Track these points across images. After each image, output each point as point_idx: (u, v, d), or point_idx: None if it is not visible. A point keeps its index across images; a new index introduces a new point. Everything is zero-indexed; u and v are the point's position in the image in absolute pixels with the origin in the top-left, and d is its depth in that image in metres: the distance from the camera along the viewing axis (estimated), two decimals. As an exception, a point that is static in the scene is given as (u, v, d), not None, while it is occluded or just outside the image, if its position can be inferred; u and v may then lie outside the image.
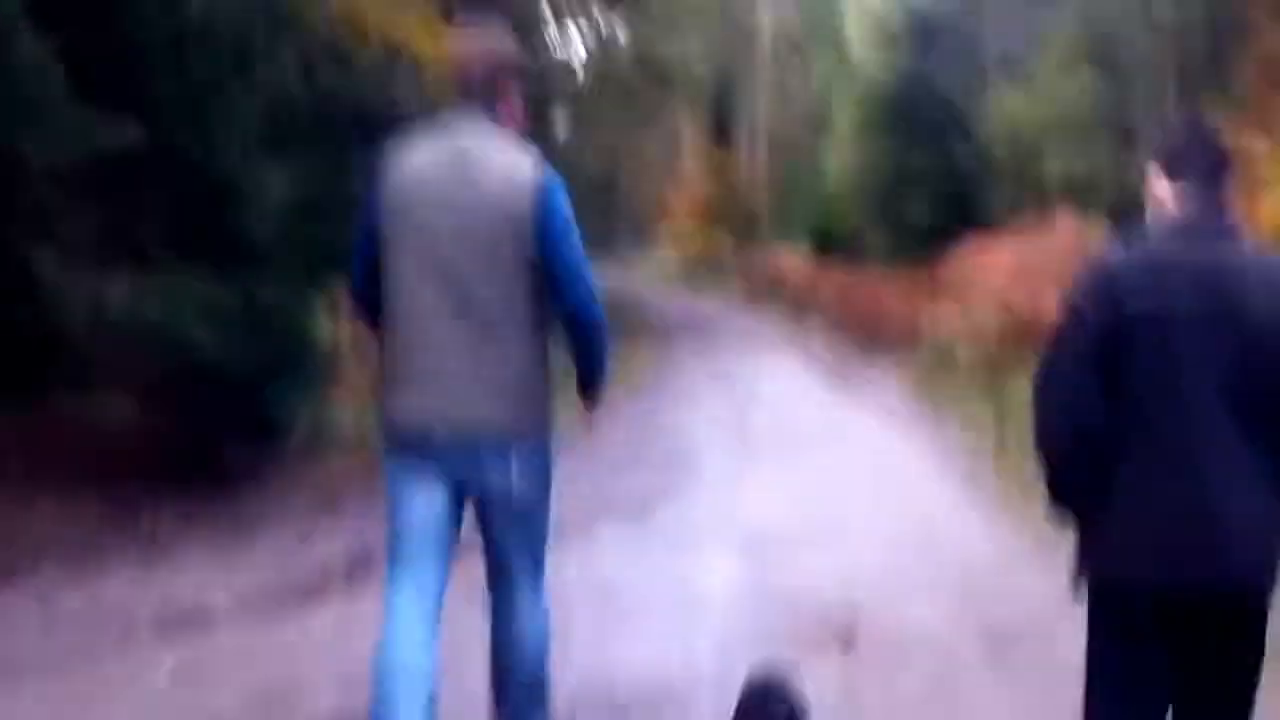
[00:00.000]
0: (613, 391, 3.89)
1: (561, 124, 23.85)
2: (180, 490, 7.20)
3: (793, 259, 29.98)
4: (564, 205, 3.52)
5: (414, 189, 3.50)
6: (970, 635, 5.56)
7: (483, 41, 3.75)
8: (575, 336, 3.62)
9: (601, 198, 42.69)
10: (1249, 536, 2.77)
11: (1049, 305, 13.68)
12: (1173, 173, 2.94)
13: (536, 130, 6.21)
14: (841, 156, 28.76)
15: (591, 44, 24.27)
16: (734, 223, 38.44)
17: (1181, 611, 2.78)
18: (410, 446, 3.56)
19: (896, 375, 15.98)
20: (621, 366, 7.31)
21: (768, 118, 38.51)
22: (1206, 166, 2.91)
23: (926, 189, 24.10)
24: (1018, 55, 20.63)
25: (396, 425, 3.60)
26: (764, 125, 38.67)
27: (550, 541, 3.75)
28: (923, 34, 24.64)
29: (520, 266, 3.47)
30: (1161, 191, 2.95)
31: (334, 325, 9.59)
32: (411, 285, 3.50)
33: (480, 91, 3.58)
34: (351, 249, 3.75)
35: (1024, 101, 19.91)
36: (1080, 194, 17.55)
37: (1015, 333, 14.26)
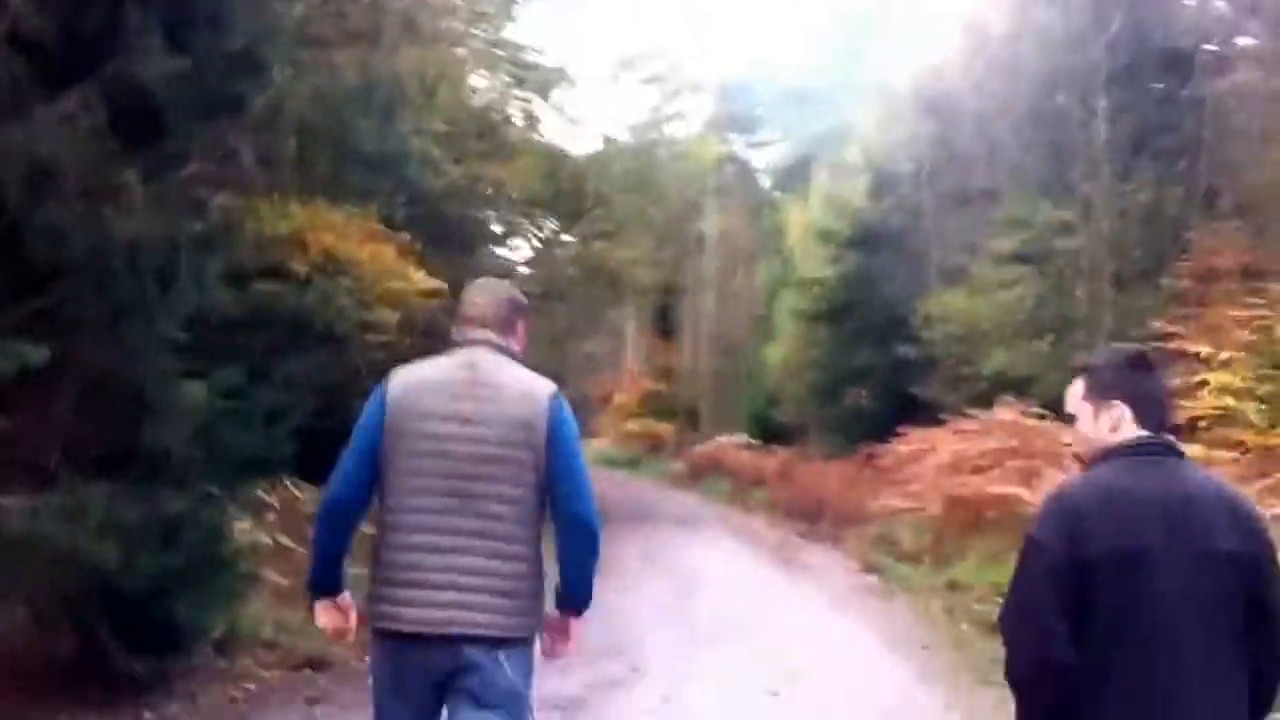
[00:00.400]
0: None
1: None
2: (78, 705, 6.71)
3: (734, 445, 30.46)
4: (572, 419, 3.77)
5: (426, 399, 3.70)
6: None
7: (500, 287, 4.08)
8: (572, 542, 3.76)
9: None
10: None
11: (990, 490, 14.19)
12: (1127, 400, 3.04)
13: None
14: (783, 352, 29.57)
15: (539, 249, 24.66)
16: (676, 413, 39.18)
17: None
18: (402, 643, 3.66)
19: (842, 557, 16.20)
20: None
21: (712, 316, 39.52)
22: (1150, 394, 3.06)
23: (869, 382, 24.81)
24: (959, 260, 21.51)
25: (389, 624, 3.66)
26: (708, 322, 39.64)
27: None
28: (866, 240, 25.78)
29: (528, 475, 3.67)
30: (1115, 418, 3.04)
31: (254, 529, 9.37)
32: (417, 486, 3.66)
33: (495, 325, 3.86)
34: (345, 456, 3.79)
35: (964, 301, 20.67)
36: (1016, 388, 18.15)
37: (958, 516, 14.63)
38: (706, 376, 39.13)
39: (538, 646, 3.84)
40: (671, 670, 8.72)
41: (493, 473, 3.64)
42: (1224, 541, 2.85)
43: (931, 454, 16.29)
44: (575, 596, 3.81)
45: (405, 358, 4.24)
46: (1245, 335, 15.09)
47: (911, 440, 17.81)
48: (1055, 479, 12.76)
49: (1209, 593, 2.84)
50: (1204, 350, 15.36)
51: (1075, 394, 3.15)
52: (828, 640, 9.98)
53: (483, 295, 3.97)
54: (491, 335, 3.85)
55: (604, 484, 29.39)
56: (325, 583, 3.84)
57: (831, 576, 14.54)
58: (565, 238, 24.43)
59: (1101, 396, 3.07)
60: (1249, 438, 14.23)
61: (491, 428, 3.66)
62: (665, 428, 39.01)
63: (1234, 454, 12.98)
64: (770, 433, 30.55)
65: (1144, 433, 3.00)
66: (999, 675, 3.08)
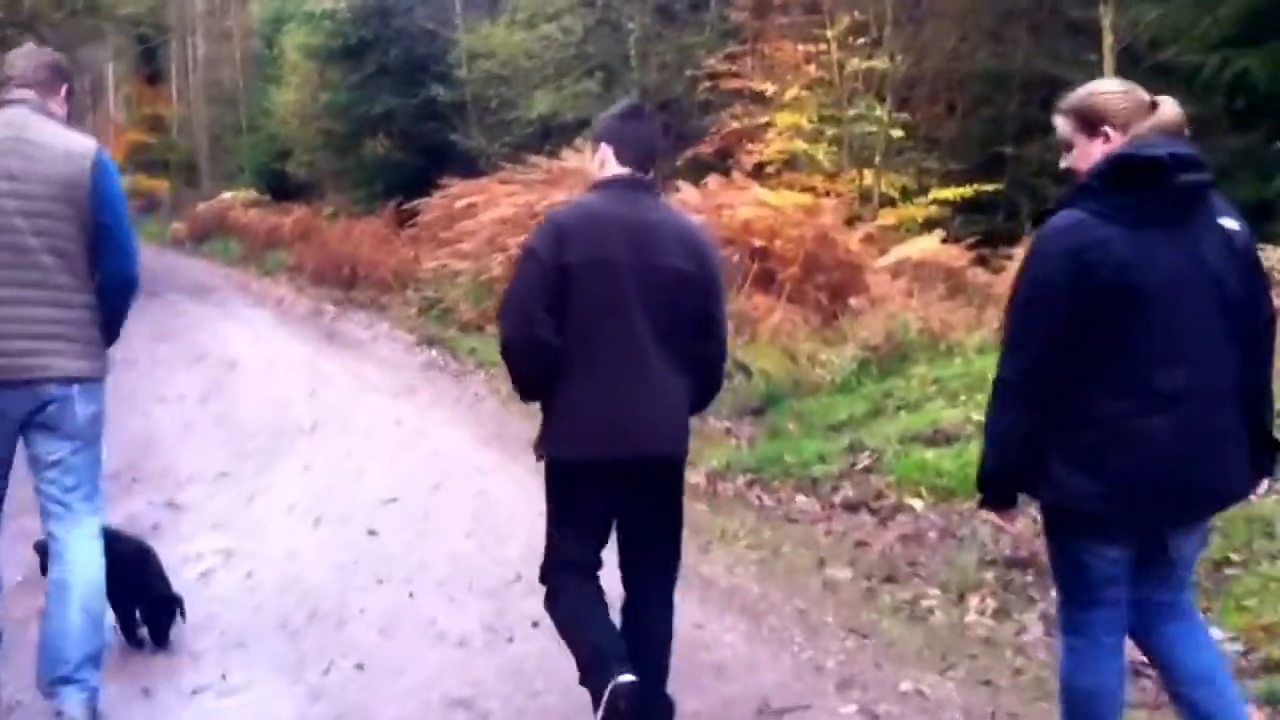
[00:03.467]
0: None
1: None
2: None
3: (240, 203, 27.47)
4: (115, 176, 4.04)
5: None
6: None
7: (43, 52, 4.26)
8: (110, 296, 4.11)
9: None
10: (661, 424, 3.59)
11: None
12: (611, 144, 3.66)
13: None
14: (291, 97, 26.50)
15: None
16: (172, 168, 35.34)
17: (616, 476, 3.58)
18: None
19: (391, 329, 14.42)
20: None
21: (204, 58, 35.47)
22: (631, 139, 3.66)
23: (394, 129, 22.58)
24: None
25: None
26: (201, 66, 35.57)
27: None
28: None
29: (75, 229, 3.92)
30: (601, 158, 3.68)
31: None
32: None
33: (36, 86, 4.01)
34: None
35: (503, 34, 18.77)
36: (564, 133, 16.72)
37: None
38: (203, 127, 35.36)
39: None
40: (222, 508, 6.84)
41: (43, 227, 3.87)
42: (674, 259, 3.55)
43: (487, 207, 14.61)
44: (111, 336, 4.22)
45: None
46: (810, 72, 14.30)
47: (460, 193, 16.04)
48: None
49: (661, 298, 3.53)
50: (767, 88, 14.52)
51: (595, 142, 3.73)
52: (413, 442, 8.29)
53: (24, 59, 4.11)
54: (32, 95, 4.00)
55: None
56: None
57: (387, 352, 12.70)
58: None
59: (597, 139, 3.72)
60: (819, 182, 13.64)
61: (38, 185, 3.85)
62: (159, 184, 35.22)
63: (805, 198, 12.22)
64: (281, 188, 27.78)
65: (623, 170, 3.64)
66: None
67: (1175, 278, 2.93)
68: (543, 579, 3.71)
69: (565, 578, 3.66)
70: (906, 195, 13.80)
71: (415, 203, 18.18)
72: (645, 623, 3.73)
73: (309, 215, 23.52)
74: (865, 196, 13.72)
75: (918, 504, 6.44)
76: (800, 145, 14.00)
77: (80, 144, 3.93)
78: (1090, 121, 3.11)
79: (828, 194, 13.10)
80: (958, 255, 11.57)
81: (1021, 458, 3.07)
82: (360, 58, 22.46)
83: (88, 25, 22.22)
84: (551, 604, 3.69)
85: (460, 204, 15.53)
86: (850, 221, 12.39)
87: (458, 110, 20.43)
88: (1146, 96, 3.13)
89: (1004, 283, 11.01)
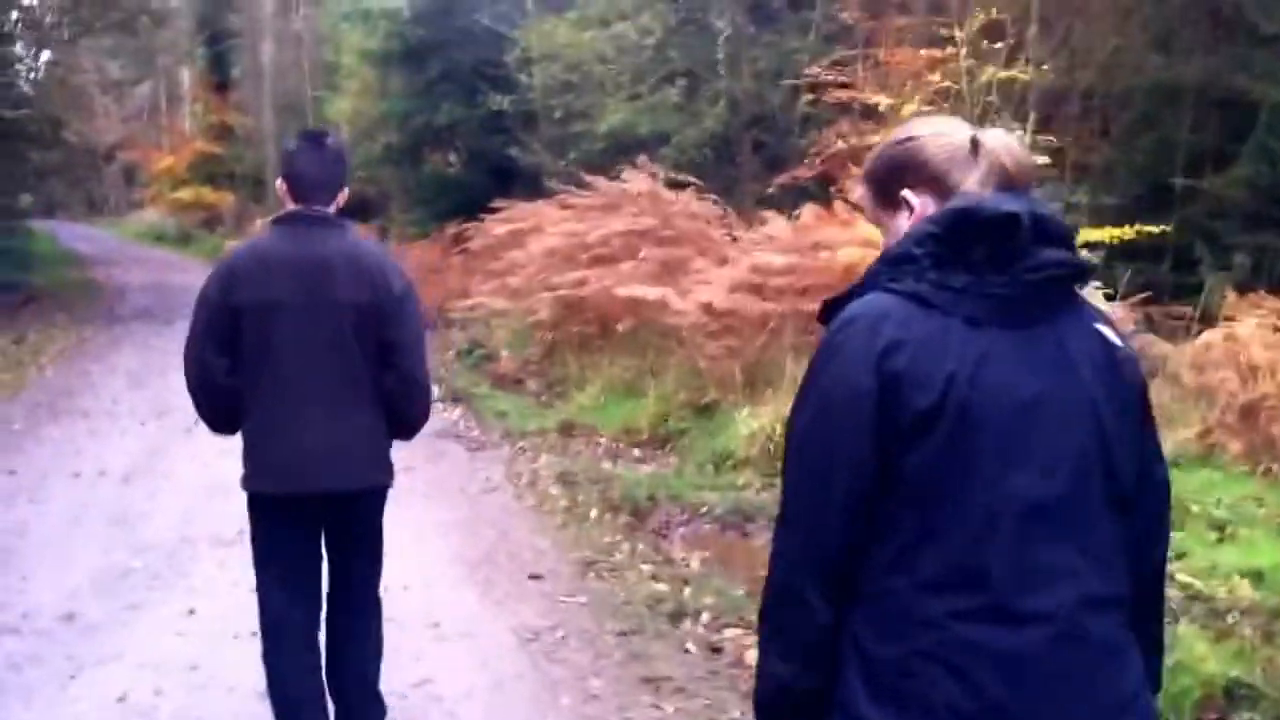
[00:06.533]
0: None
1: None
2: None
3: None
4: None
5: None
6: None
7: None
8: None
9: (88, 155, 37.44)
10: (337, 460, 3.60)
11: (619, 291, 10.37)
12: (290, 181, 3.65)
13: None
14: (350, 105, 24.38)
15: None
16: (237, 180, 33.61)
17: (301, 511, 3.66)
18: None
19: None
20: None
21: (273, 65, 33.70)
22: (314, 174, 3.63)
23: (457, 143, 20.35)
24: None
25: None
26: (269, 74, 33.80)
27: None
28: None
29: None
30: (279, 193, 3.70)
31: None
32: None
33: None
34: None
35: (568, 33, 16.34)
36: (639, 151, 14.24)
37: (576, 324, 10.74)
38: (269, 138, 33.56)
39: None
40: (21, 690, 4.63)
41: None
42: (346, 293, 3.52)
43: (536, 236, 12.20)
44: None
45: None
46: (935, 82, 11.79)
47: (509, 217, 13.66)
48: (712, 275, 9.06)
49: (335, 334, 3.54)
50: (881, 102, 12.05)
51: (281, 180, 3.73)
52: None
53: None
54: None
55: (141, 270, 25.00)
56: None
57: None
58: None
59: (283, 176, 3.70)
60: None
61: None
62: (223, 197, 33.54)
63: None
64: (346, 206, 25.63)
65: (296, 207, 3.62)
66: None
67: (1033, 407, 1.88)
68: (260, 635, 3.77)
69: (276, 643, 3.72)
70: (1050, 235, 11.19)
71: (468, 226, 15.88)
72: (342, 654, 3.84)
73: (365, 237, 21.37)
74: (1000, 236, 11.15)
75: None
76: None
77: None
78: (885, 184, 2.10)
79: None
80: (1123, 317, 8.89)
81: (811, 676, 1.98)
82: (421, 62, 20.15)
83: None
84: (266, 668, 3.74)
85: (500, 231, 13.15)
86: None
87: (525, 122, 18.09)
88: (967, 135, 2.05)
89: (1185, 360, 8.43)
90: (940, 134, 2.06)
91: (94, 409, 10.17)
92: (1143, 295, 9.74)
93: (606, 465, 7.96)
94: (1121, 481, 1.97)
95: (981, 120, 11.43)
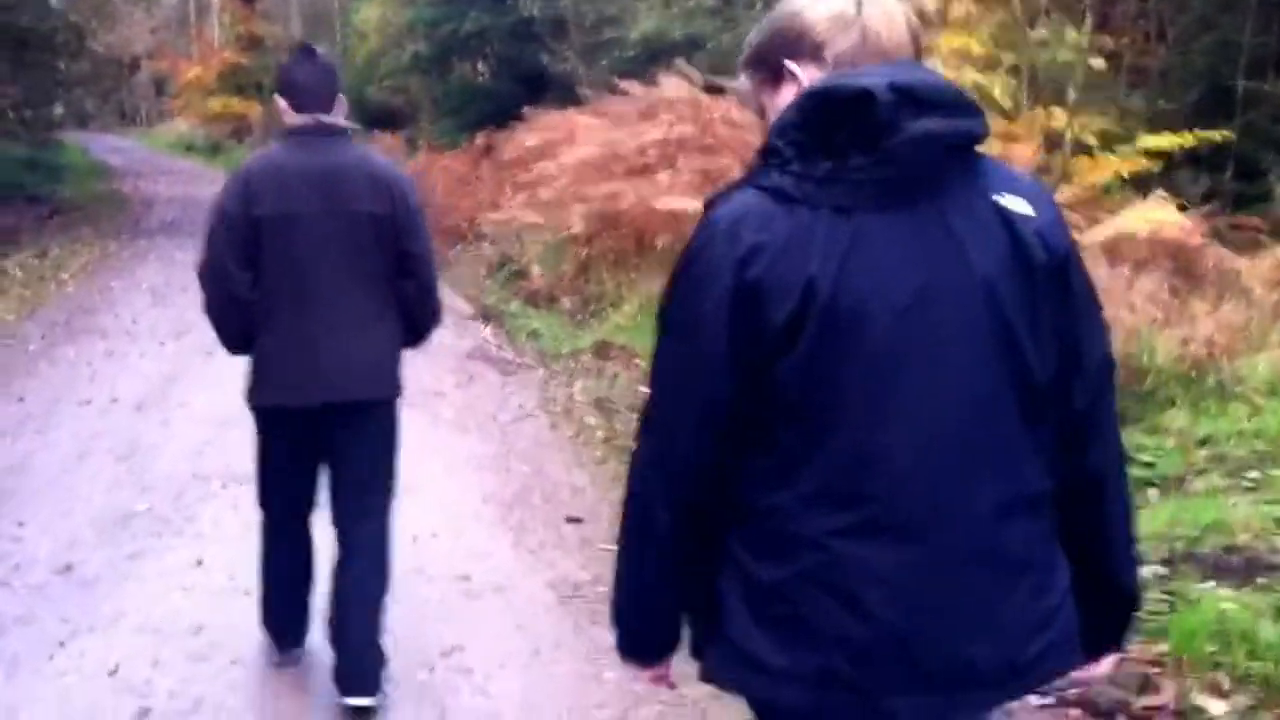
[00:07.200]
0: None
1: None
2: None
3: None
4: None
5: None
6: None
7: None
8: None
9: (114, 65, 37.04)
10: (354, 370, 3.59)
11: (657, 204, 9.93)
12: (290, 95, 3.60)
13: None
14: (377, 13, 23.84)
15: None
16: (265, 90, 33.16)
17: (309, 422, 3.64)
18: None
19: (449, 292, 11.75)
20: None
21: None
22: (313, 86, 3.59)
23: (487, 51, 19.82)
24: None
25: None
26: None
27: None
28: None
29: None
30: (282, 110, 3.64)
31: None
32: None
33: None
34: None
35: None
36: (674, 56, 13.73)
37: (611, 239, 10.35)
38: (296, 46, 33.01)
39: None
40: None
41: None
42: (364, 204, 3.54)
43: (568, 146, 11.75)
44: None
45: None
46: (983, -21, 11.24)
47: (541, 127, 13.20)
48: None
49: (354, 244, 3.55)
50: (927, 3, 11.49)
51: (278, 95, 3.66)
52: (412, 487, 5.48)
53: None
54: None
55: (168, 181, 24.67)
56: None
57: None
58: None
59: (276, 93, 3.66)
60: (994, 124, 10.61)
61: None
62: (251, 107, 33.10)
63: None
64: (372, 115, 25.24)
65: (304, 118, 3.58)
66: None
67: (915, 297, 1.70)
68: (260, 533, 3.91)
69: (273, 539, 3.88)
70: (1106, 143, 10.65)
71: (498, 136, 15.45)
72: (354, 577, 3.75)
73: (394, 147, 21.02)
74: (1053, 143, 10.60)
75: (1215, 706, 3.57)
76: (970, 76, 10.86)
77: None
78: (765, 58, 1.92)
79: (1006, 139, 10.08)
80: (1190, 229, 8.40)
81: (670, 593, 1.88)
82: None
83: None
84: (263, 545, 3.89)
85: (531, 141, 12.71)
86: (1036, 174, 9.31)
87: (555, 30, 17.55)
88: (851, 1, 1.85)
89: (1259, 273, 7.96)
90: (821, 1, 1.87)
91: (112, 328, 9.84)
92: (1207, 207, 9.28)
93: (644, 389, 7.61)
94: (1032, 370, 1.77)
95: (1032, 24, 10.92)
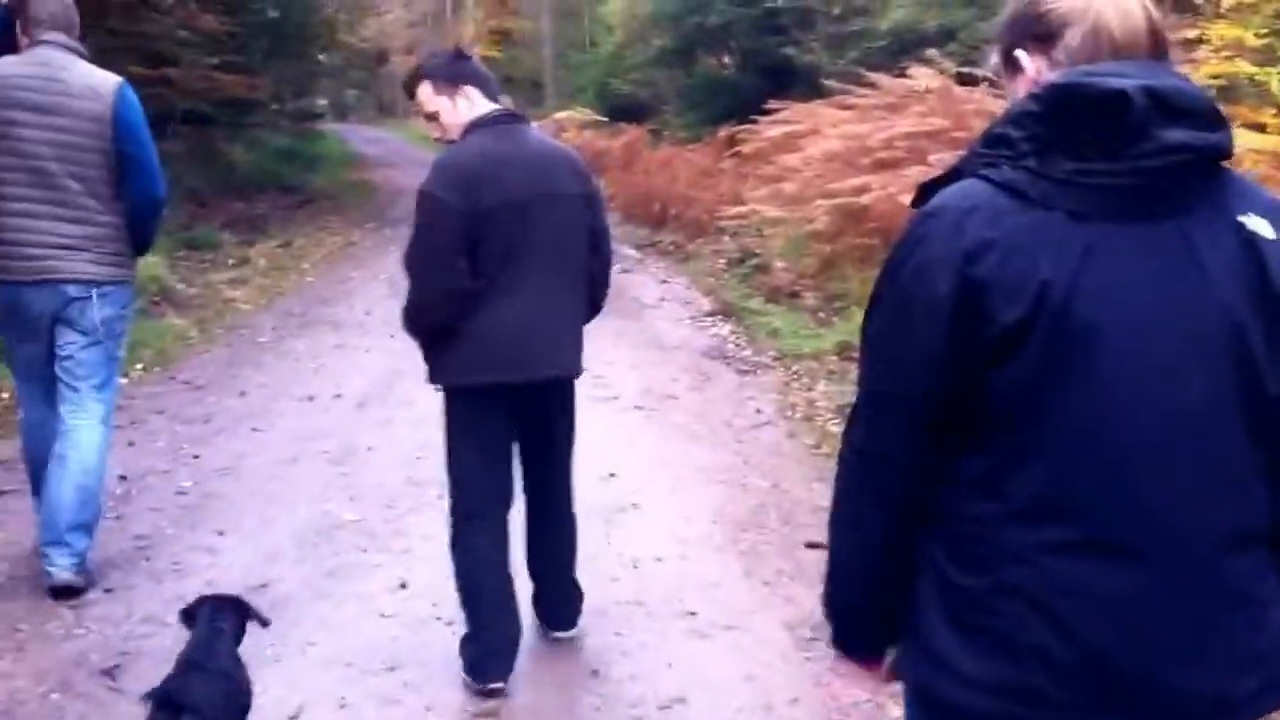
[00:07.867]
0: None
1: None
2: None
3: (575, 122, 25.28)
4: (137, 107, 4.48)
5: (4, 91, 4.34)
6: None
7: None
8: (139, 211, 4.56)
9: (363, 58, 38.52)
10: (564, 346, 3.82)
11: (905, 199, 9.57)
12: (481, 84, 3.77)
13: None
14: (624, 6, 23.98)
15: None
16: (514, 83, 33.91)
17: (515, 398, 3.78)
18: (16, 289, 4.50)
19: (686, 287, 11.64)
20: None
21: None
22: (483, 75, 3.81)
23: (731, 43, 19.67)
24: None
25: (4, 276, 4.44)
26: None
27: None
28: None
29: (98, 158, 4.40)
30: (468, 98, 3.73)
31: None
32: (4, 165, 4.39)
33: (65, 27, 4.46)
34: None
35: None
36: (916, 49, 13.29)
37: (856, 235, 10.04)
38: (548, 41, 33.67)
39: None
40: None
41: (69, 155, 4.35)
42: (567, 185, 3.73)
43: (813, 139, 11.47)
44: (141, 248, 4.69)
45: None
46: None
47: (785, 119, 12.95)
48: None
49: (562, 224, 3.71)
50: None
51: (428, 94, 3.78)
52: (602, 529, 5.13)
53: (55, 1, 4.47)
54: (62, 36, 4.43)
55: (418, 172, 25.00)
56: None
57: (667, 324, 9.89)
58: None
59: (452, 85, 3.75)
60: (1270, 119, 9.92)
61: (65, 118, 4.32)
62: (504, 101, 33.81)
63: (1255, 139, 8.70)
64: (618, 108, 25.43)
65: (495, 106, 3.77)
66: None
67: (1151, 314, 1.63)
68: (453, 525, 3.89)
69: (475, 527, 3.83)
70: (1399, 142, 9.80)
71: (742, 129, 15.26)
72: (552, 536, 4.06)
73: (638, 139, 21.08)
74: (1338, 141, 9.84)
75: None
76: (1244, 68, 10.24)
77: (104, 80, 4.42)
78: (1003, 43, 1.86)
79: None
80: None
81: (882, 586, 1.85)
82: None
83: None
84: (455, 551, 3.86)
85: (775, 133, 12.45)
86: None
87: (801, 21, 17.26)
88: None
89: None
90: None
91: (345, 320, 9.97)
92: None
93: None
94: (1268, 400, 1.68)
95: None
